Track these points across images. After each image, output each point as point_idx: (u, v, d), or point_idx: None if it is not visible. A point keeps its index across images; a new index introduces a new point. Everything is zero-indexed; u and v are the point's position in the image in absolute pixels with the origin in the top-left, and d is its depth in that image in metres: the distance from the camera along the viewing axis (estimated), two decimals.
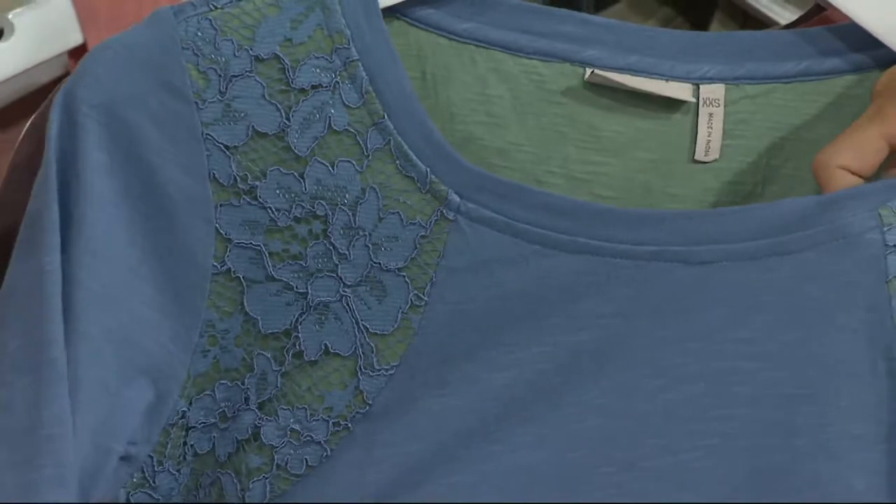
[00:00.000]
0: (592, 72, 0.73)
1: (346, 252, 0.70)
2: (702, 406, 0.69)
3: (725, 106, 0.74)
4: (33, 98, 0.80)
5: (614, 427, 0.69)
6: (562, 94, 0.74)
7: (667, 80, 0.73)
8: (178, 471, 0.71)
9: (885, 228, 0.70)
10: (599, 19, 0.74)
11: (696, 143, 0.74)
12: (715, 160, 0.74)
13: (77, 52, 0.81)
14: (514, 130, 0.74)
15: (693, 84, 0.74)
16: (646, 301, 0.69)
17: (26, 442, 0.66)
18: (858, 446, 0.69)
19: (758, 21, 0.92)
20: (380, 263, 0.70)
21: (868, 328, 0.69)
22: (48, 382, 0.66)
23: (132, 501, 0.71)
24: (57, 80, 0.83)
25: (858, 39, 0.73)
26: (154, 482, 0.70)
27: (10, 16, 0.77)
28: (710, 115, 0.74)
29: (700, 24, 1.00)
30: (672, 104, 0.74)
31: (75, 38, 0.81)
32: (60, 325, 0.67)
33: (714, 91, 0.74)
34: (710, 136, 0.74)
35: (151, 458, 0.70)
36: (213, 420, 0.71)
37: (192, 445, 0.71)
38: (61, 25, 0.79)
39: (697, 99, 0.74)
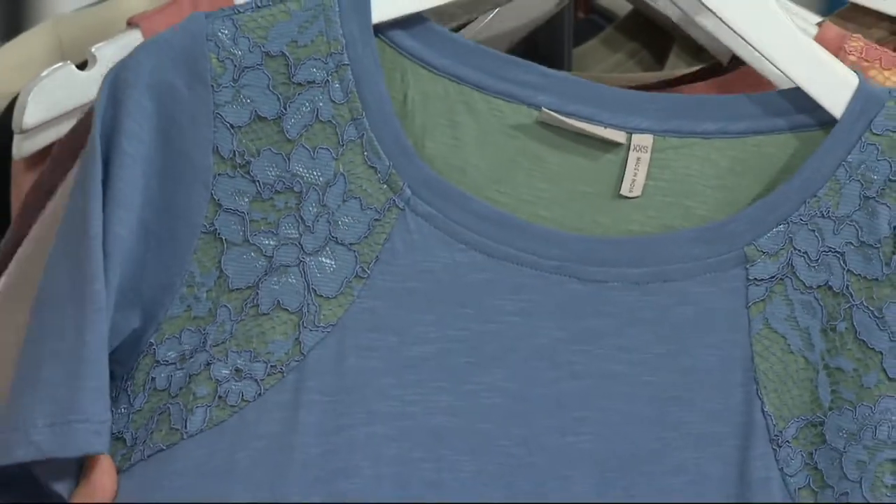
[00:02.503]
0: (541, 110, 0.82)
1: (311, 225, 0.79)
2: (588, 398, 0.79)
3: (652, 153, 0.83)
4: None
5: (514, 407, 0.79)
6: (517, 129, 0.83)
7: (605, 127, 0.83)
8: (135, 395, 0.79)
9: (749, 265, 0.81)
10: (555, 72, 0.83)
11: (622, 180, 0.83)
12: (637, 197, 0.83)
13: None
14: (474, 154, 0.82)
15: (627, 132, 0.83)
16: (545, 306, 0.80)
17: (74, 360, 0.77)
18: (715, 441, 0.79)
19: (709, 54, 1.00)
20: (336, 238, 0.79)
21: (730, 346, 0.80)
22: (91, 311, 0.77)
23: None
24: None
25: (769, 107, 0.83)
26: (116, 398, 0.79)
27: (93, 49, 0.88)
28: (638, 158, 0.82)
29: (660, 55, 1.07)
30: (607, 147, 0.83)
31: None
32: (101, 265, 0.77)
33: (644, 139, 0.82)
34: (635, 176, 0.82)
35: (124, 379, 0.79)
36: (173, 360, 0.79)
37: (153, 378, 0.79)
38: None
39: (629, 144, 0.82)
